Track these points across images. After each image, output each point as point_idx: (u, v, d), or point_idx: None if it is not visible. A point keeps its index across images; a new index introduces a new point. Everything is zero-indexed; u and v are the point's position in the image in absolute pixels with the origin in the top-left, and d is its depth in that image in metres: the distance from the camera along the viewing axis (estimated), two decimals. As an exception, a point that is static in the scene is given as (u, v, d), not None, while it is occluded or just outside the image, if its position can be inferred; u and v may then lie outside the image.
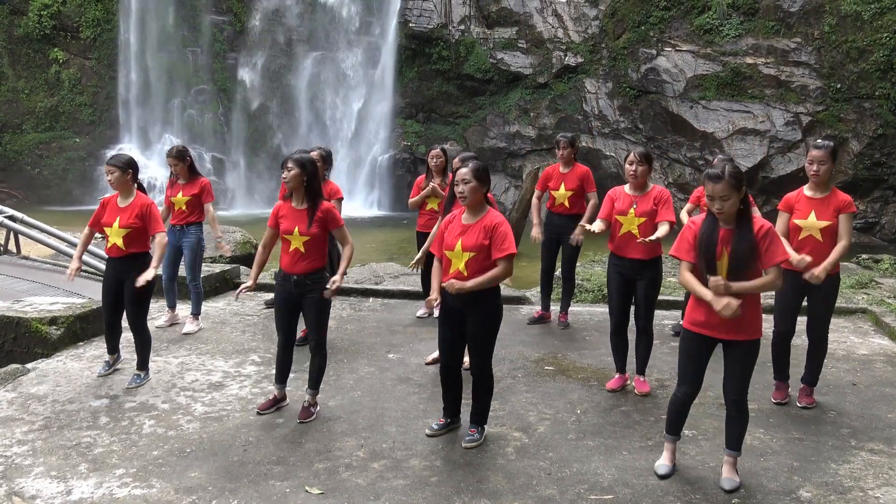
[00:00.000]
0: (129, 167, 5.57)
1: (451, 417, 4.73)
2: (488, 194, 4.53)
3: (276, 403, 5.12)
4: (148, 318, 5.73)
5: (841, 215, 4.94)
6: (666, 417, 4.24)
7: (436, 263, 4.60)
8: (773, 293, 5.28)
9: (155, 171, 22.42)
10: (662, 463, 4.21)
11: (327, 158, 6.66)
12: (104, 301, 5.73)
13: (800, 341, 5.51)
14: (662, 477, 4.13)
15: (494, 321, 4.46)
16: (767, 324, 4.79)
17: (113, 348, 5.86)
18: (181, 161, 6.90)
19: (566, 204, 6.98)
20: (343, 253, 5.03)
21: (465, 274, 4.32)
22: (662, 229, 5.31)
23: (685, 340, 4.09)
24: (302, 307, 4.93)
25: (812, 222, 4.98)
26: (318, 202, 4.84)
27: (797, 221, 5.04)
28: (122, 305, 5.65)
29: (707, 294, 3.83)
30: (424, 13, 22.70)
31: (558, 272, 7.44)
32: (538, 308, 7.61)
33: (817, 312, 5.18)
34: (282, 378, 5.12)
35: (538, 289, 8.52)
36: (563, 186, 6.98)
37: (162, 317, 7.21)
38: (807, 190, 5.11)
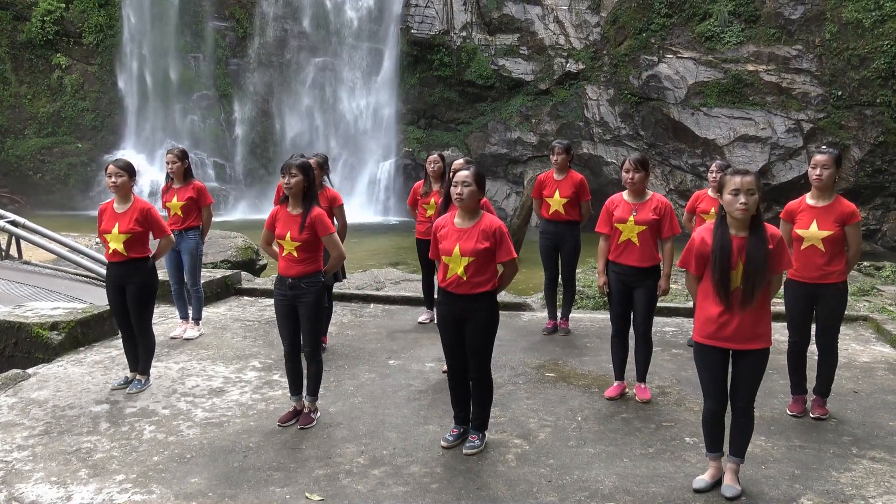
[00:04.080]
0: (134, 172, 5.62)
1: (463, 425, 4.69)
2: (483, 199, 4.57)
3: (297, 415, 5.05)
4: (153, 321, 5.73)
5: (847, 227, 4.83)
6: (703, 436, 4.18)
7: None
8: (784, 304, 5.24)
9: (157, 176, 22.42)
10: (700, 477, 4.11)
11: (324, 165, 6.61)
12: (112, 308, 5.73)
13: (810, 351, 5.46)
14: (696, 491, 4.03)
15: (491, 327, 4.47)
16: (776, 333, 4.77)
17: (135, 366, 5.75)
18: (181, 160, 6.88)
19: (561, 211, 6.96)
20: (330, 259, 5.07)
21: (465, 278, 4.34)
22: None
23: (699, 353, 4.06)
24: (298, 312, 4.93)
25: (814, 232, 4.86)
26: (312, 208, 4.85)
27: (798, 231, 4.92)
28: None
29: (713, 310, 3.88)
30: (426, 20, 22.75)
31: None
32: (541, 314, 7.59)
33: (826, 322, 5.07)
34: (296, 390, 5.07)
35: (539, 295, 8.53)
36: (557, 193, 6.95)
37: (176, 329, 7.16)
38: (809, 198, 4.98)
